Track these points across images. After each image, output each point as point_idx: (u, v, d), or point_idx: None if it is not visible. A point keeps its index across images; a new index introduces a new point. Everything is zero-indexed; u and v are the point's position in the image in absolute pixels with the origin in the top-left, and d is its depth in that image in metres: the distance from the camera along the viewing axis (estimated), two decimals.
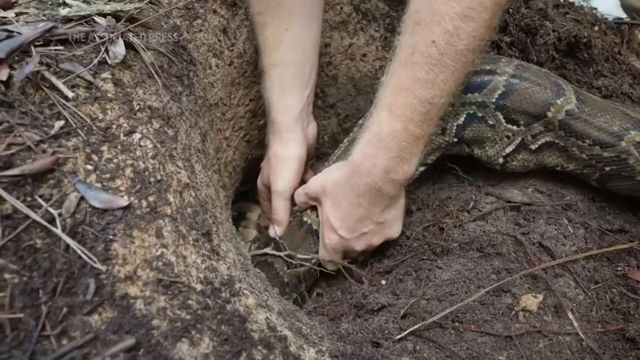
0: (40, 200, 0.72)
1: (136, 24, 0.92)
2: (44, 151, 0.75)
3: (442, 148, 1.22)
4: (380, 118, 0.97)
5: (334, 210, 1.09)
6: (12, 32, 0.82)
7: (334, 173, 1.09)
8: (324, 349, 0.82)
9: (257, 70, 1.30)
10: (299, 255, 1.16)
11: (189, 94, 1.01)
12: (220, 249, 0.87)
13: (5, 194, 0.69)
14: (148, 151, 0.83)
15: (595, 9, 1.42)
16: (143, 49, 0.91)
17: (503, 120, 1.12)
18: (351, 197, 1.05)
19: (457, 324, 0.94)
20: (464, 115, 1.14)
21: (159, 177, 0.82)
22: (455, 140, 1.18)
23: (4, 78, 0.77)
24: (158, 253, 0.75)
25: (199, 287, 0.76)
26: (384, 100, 0.97)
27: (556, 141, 1.11)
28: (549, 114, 1.08)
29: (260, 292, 0.89)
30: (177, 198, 0.83)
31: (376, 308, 1.03)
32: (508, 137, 1.14)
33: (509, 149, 1.15)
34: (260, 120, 1.39)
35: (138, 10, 0.95)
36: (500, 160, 1.18)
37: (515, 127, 1.12)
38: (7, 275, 0.66)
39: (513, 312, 0.96)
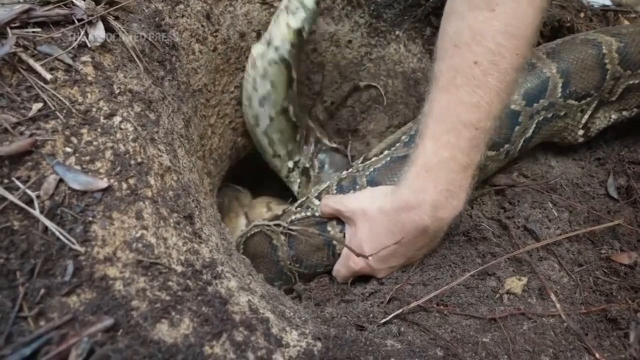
0: (18, 182, 0.71)
1: (116, 7, 0.91)
2: (21, 133, 0.75)
3: (503, 163, 1.17)
4: (426, 148, 0.92)
5: (369, 239, 1.01)
6: None
7: (379, 200, 1.01)
8: (307, 331, 0.82)
9: (242, 57, 1.30)
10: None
11: (172, 79, 1.01)
12: (202, 232, 0.86)
13: None
14: (129, 134, 0.82)
15: None
16: (124, 32, 0.90)
17: (575, 102, 1.11)
18: (393, 233, 0.97)
19: (441, 307, 0.94)
20: (533, 126, 1.11)
21: (139, 160, 0.81)
22: (518, 154, 1.15)
23: None
24: (138, 235, 0.74)
25: (179, 268, 0.75)
26: (427, 129, 0.92)
27: (633, 82, 1.12)
28: (608, 65, 1.09)
29: (243, 275, 0.89)
30: (158, 181, 0.82)
31: (362, 296, 1.03)
32: (582, 110, 1.14)
33: (584, 119, 1.15)
34: None
35: None
36: (581, 132, 1.17)
37: (589, 98, 1.12)
38: None
39: (497, 295, 0.96)
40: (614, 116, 1.19)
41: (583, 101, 1.12)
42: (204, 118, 1.18)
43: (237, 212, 1.58)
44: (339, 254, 1.11)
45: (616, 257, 1.03)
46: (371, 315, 0.94)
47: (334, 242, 1.11)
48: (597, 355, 0.85)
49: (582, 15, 1.38)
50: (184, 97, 1.05)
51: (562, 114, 1.12)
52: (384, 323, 0.91)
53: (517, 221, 1.06)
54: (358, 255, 1.02)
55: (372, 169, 1.11)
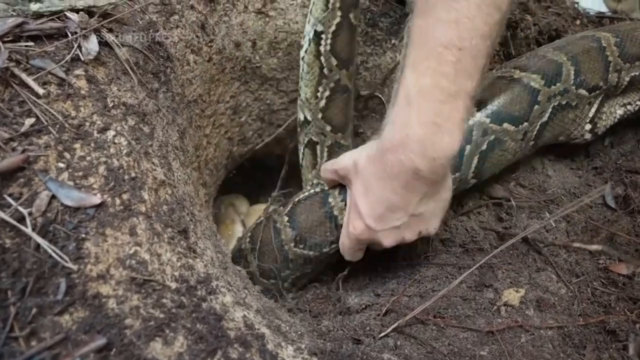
0: (10, 199, 0.70)
1: (110, 19, 0.91)
2: (13, 149, 0.74)
3: (519, 154, 1.14)
4: (407, 79, 0.82)
5: (363, 194, 0.92)
6: None
7: (367, 149, 0.92)
8: (302, 346, 0.82)
9: (237, 67, 1.29)
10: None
11: (166, 90, 1.00)
12: (197, 247, 0.85)
13: None
14: (122, 148, 0.82)
15: (577, 2, 1.43)
16: (117, 45, 0.90)
17: (586, 93, 1.11)
18: (384, 180, 0.87)
19: (438, 319, 0.94)
20: (549, 110, 1.10)
21: (133, 175, 0.80)
22: (532, 142, 1.14)
23: None
24: (131, 251, 0.73)
25: (173, 285, 0.75)
26: (407, 59, 0.83)
27: (634, 73, 1.13)
28: (610, 57, 1.11)
29: (239, 289, 0.88)
30: (152, 196, 0.82)
31: (358, 308, 1.03)
32: (590, 103, 1.14)
33: (592, 112, 1.15)
34: (241, 117, 1.38)
35: (112, 5, 0.94)
36: (588, 127, 1.17)
37: (597, 91, 1.12)
38: None
39: (495, 307, 0.95)
40: (619, 112, 1.19)
41: (592, 93, 1.12)
42: (199, 129, 1.18)
43: (233, 218, 1.58)
44: (342, 226, 1.04)
45: (614, 268, 1.02)
46: (368, 328, 0.93)
47: (335, 212, 1.05)
48: None
49: (577, 22, 1.38)
50: (179, 109, 1.04)
51: (574, 103, 1.12)
52: (381, 337, 0.91)
53: (515, 232, 1.06)
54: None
55: None
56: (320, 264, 1.13)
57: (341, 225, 1.04)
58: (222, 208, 1.56)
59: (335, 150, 1.30)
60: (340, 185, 1.05)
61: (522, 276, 1.00)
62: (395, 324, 0.91)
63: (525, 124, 1.06)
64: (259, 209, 1.58)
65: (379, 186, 0.89)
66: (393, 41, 1.34)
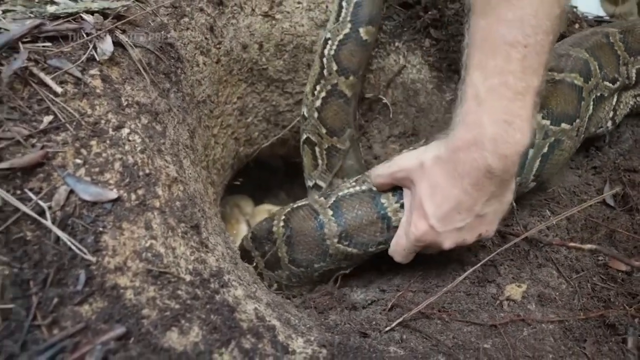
0: (30, 194, 0.73)
1: (124, 21, 0.93)
2: (33, 145, 0.76)
3: (573, 151, 1.15)
4: (474, 79, 0.84)
5: (430, 193, 0.91)
6: (0, 29, 0.83)
7: (434, 149, 0.91)
8: (312, 338, 0.84)
9: (244, 69, 1.32)
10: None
11: (177, 90, 1.03)
12: (209, 242, 0.88)
13: None
14: (137, 145, 0.84)
15: (576, 7, 1.46)
16: (131, 46, 0.92)
17: (611, 85, 1.15)
18: (454, 178, 0.87)
19: (443, 314, 0.96)
20: (591, 104, 1.13)
21: (147, 171, 0.83)
22: (584, 135, 1.16)
23: None
24: (147, 244, 0.76)
25: (188, 277, 0.77)
26: (472, 59, 0.84)
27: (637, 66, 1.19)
28: (619, 52, 1.16)
29: (249, 284, 0.91)
30: (165, 191, 0.84)
31: (364, 303, 1.05)
32: (613, 94, 1.18)
33: (614, 102, 1.19)
34: (247, 118, 1.41)
35: (125, 8, 0.96)
36: (610, 114, 1.20)
37: (616, 83, 1.16)
38: None
39: (498, 302, 0.98)
40: (631, 102, 1.25)
41: (614, 85, 1.16)
42: (208, 128, 1.20)
43: (238, 218, 1.60)
44: (396, 228, 1.02)
45: (613, 264, 1.05)
46: (374, 322, 0.95)
47: (389, 213, 1.02)
48: None
49: (576, 26, 1.41)
50: (189, 109, 1.07)
51: (606, 95, 1.16)
52: (387, 330, 0.93)
53: (516, 230, 1.08)
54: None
55: None
56: (358, 261, 1.12)
57: (394, 227, 1.03)
58: (228, 208, 1.58)
59: (332, 154, 1.33)
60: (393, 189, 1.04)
61: (524, 272, 1.02)
62: (401, 318, 0.93)
63: (578, 120, 1.08)
64: (264, 209, 1.61)
65: (448, 185, 0.88)
66: (397, 44, 1.37)
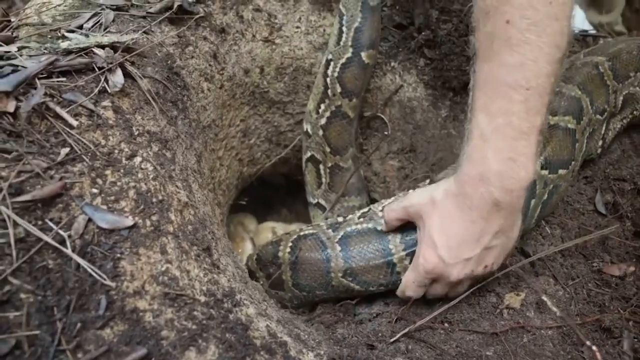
0: (51, 224, 0.76)
1: (133, 53, 0.98)
2: (51, 177, 0.80)
3: (568, 187, 1.19)
4: (479, 120, 0.88)
5: (440, 226, 0.94)
6: (17, 66, 0.88)
7: (444, 184, 0.96)
8: (322, 352, 0.87)
9: (246, 92, 1.37)
10: None
11: (184, 117, 1.07)
12: (220, 263, 0.92)
13: (18, 219, 0.73)
14: (149, 173, 0.88)
15: None
16: (140, 77, 0.97)
17: (600, 117, 1.20)
18: (463, 210, 0.91)
19: (446, 324, 1.00)
20: (585, 142, 1.17)
21: (160, 198, 0.87)
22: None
23: (12, 110, 0.82)
24: (163, 268, 0.79)
25: (202, 299, 0.81)
26: (477, 102, 0.89)
27: (625, 92, 1.24)
28: (608, 82, 1.21)
29: (260, 302, 0.94)
30: (178, 216, 0.88)
31: (370, 317, 1.08)
32: (602, 123, 1.22)
33: (603, 130, 1.23)
34: (250, 140, 1.46)
35: (133, 40, 1.01)
36: (600, 143, 1.24)
37: (605, 113, 1.21)
38: (22, 295, 0.70)
39: (498, 310, 1.02)
40: (618, 125, 1.29)
41: (603, 116, 1.20)
42: (213, 152, 1.25)
43: (243, 236, 1.64)
44: (399, 274, 1.07)
45: (607, 269, 1.09)
46: (380, 334, 0.99)
47: (395, 259, 1.07)
48: None
49: None
50: (195, 134, 1.11)
51: (596, 127, 1.20)
52: (393, 342, 0.96)
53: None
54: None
55: None
56: (357, 296, 1.16)
57: (397, 272, 1.07)
58: (232, 226, 1.62)
59: (335, 172, 1.38)
60: (400, 228, 1.07)
61: (522, 281, 1.06)
62: (406, 330, 0.97)
63: (573, 162, 1.12)
64: (267, 227, 1.65)
65: (458, 216, 0.92)
66: (392, 64, 1.42)
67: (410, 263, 1.05)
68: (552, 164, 1.08)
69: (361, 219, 1.14)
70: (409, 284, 1.01)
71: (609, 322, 0.98)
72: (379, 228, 1.10)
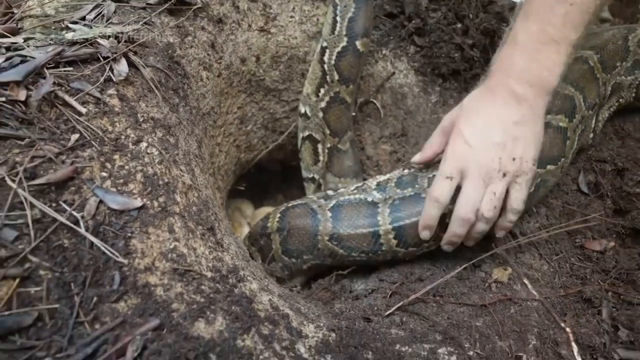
0: (65, 205, 0.81)
1: (136, 44, 1.02)
2: (63, 162, 0.84)
3: (556, 182, 1.23)
4: (517, 26, 0.95)
5: (466, 118, 0.99)
6: (26, 56, 0.91)
7: (472, 93, 1.03)
8: (321, 324, 0.93)
9: (243, 80, 1.41)
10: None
11: (185, 104, 1.11)
12: (223, 242, 0.97)
13: (35, 201, 0.78)
14: (155, 157, 0.93)
15: None
16: (143, 66, 1.01)
17: (592, 112, 1.23)
18: (485, 96, 0.98)
19: (437, 297, 1.06)
20: (576, 139, 1.21)
21: (166, 180, 0.91)
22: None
23: (23, 98, 0.86)
24: (172, 246, 0.84)
25: (209, 274, 0.86)
26: (519, 12, 0.96)
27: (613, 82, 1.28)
28: (598, 75, 1.25)
29: (262, 278, 1.00)
30: (183, 198, 0.93)
31: (365, 293, 1.14)
32: (592, 116, 1.27)
33: (594, 123, 1.28)
34: (247, 126, 1.50)
35: (135, 31, 1.04)
36: (591, 135, 1.29)
37: (596, 106, 1.25)
38: (41, 272, 0.75)
39: (486, 284, 1.08)
40: (606, 114, 1.34)
41: (594, 109, 1.25)
42: (212, 138, 1.29)
43: (240, 221, 1.69)
44: (381, 245, 1.14)
45: (589, 245, 1.15)
46: (375, 308, 1.04)
47: (380, 231, 1.13)
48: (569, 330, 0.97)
49: None
50: (196, 121, 1.15)
51: (588, 122, 1.24)
52: (388, 315, 1.02)
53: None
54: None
55: (434, 174, 1.10)
56: (340, 261, 1.22)
57: (380, 244, 1.14)
58: (230, 212, 1.66)
59: (334, 153, 1.43)
60: (391, 203, 1.14)
61: (509, 256, 1.12)
62: (400, 303, 1.03)
63: (563, 159, 1.17)
64: (264, 212, 1.69)
65: (480, 103, 0.98)
66: (384, 52, 1.47)
67: (395, 237, 1.12)
68: (541, 159, 1.12)
69: (355, 191, 1.20)
70: (436, 182, 1.01)
71: (590, 293, 1.05)
72: (369, 199, 1.16)
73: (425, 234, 1.07)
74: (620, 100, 1.35)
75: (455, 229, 1.02)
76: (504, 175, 0.96)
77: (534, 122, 0.97)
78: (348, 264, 1.22)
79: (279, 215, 1.25)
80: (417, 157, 1.14)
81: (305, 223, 1.20)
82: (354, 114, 1.48)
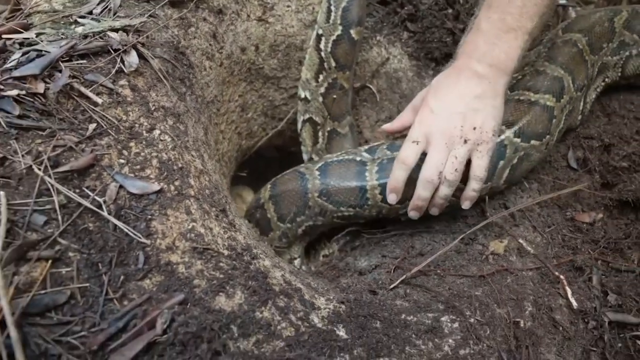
0: (87, 191, 0.85)
1: (144, 35, 1.05)
2: (83, 150, 0.88)
3: (542, 158, 1.28)
4: (480, 15, 1.10)
5: (434, 92, 1.12)
6: (41, 51, 0.95)
7: (440, 74, 1.17)
8: (331, 297, 0.98)
9: (243, 69, 1.45)
10: None
11: (191, 93, 1.15)
12: (235, 223, 1.01)
13: (60, 187, 0.82)
14: (168, 144, 0.97)
15: None
16: (151, 57, 1.04)
17: (580, 93, 1.29)
18: (450, 74, 1.12)
19: (438, 270, 1.12)
20: (563, 119, 1.26)
21: (180, 165, 0.96)
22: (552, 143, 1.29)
23: (41, 91, 0.90)
24: (190, 227, 0.89)
25: (225, 252, 0.91)
26: (481, 4, 1.11)
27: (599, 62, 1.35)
28: (587, 57, 1.31)
29: (272, 256, 1.05)
30: (196, 182, 0.97)
31: (369, 268, 1.20)
32: (580, 97, 1.33)
33: (582, 104, 1.35)
34: (248, 114, 1.54)
35: (142, 23, 1.08)
36: (579, 117, 1.37)
37: (584, 88, 1.31)
38: (70, 254, 0.79)
39: (484, 256, 1.14)
40: (593, 95, 1.40)
41: (581, 92, 1.31)
42: (216, 125, 1.33)
43: (242, 207, 1.73)
44: (367, 199, 1.21)
45: (579, 217, 1.22)
46: (380, 282, 1.10)
47: (367, 186, 1.20)
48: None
49: None
50: (202, 109, 1.20)
51: (576, 104, 1.30)
52: (392, 288, 1.08)
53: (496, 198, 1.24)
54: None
55: None
56: (330, 219, 1.28)
57: (367, 198, 1.21)
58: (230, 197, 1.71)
59: (333, 136, 1.49)
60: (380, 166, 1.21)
61: (504, 230, 1.19)
62: (403, 277, 1.09)
63: (548, 136, 1.22)
64: None
65: (446, 80, 1.11)
66: (378, 38, 1.52)
67: (380, 193, 1.19)
68: (525, 134, 1.19)
69: (344, 154, 1.28)
70: (407, 154, 1.10)
71: (581, 262, 1.12)
72: (357, 159, 1.24)
73: (392, 197, 1.14)
74: (607, 79, 1.40)
75: (421, 191, 1.11)
76: (465, 141, 1.07)
77: (493, 97, 1.08)
78: (337, 223, 1.29)
79: (269, 185, 1.33)
80: (386, 126, 1.26)
81: (295, 185, 1.27)
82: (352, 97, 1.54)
